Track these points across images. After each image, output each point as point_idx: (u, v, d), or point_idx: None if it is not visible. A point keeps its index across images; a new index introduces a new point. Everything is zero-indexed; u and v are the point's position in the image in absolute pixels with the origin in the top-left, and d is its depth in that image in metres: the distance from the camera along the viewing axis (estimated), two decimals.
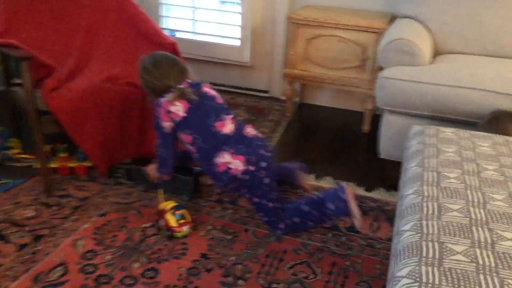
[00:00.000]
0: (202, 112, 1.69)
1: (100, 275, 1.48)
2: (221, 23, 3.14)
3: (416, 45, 1.98)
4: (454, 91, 1.81)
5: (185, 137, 1.70)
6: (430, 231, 0.95)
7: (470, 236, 0.93)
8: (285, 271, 1.55)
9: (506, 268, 0.84)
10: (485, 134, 1.44)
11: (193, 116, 1.69)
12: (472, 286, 0.79)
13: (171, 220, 1.67)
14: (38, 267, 1.50)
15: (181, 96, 1.68)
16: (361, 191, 2.06)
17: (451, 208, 1.02)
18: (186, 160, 1.88)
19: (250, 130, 1.74)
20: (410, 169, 1.26)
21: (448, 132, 1.43)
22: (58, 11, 2.17)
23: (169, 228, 1.67)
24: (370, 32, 2.47)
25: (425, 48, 2.03)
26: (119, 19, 2.22)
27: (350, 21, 2.48)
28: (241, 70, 3.17)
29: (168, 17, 3.18)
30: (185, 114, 1.68)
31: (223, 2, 3.14)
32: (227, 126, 1.69)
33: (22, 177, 2.01)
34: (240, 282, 1.49)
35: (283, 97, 3.13)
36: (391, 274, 0.92)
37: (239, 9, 3.00)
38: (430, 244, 0.91)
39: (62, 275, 1.47)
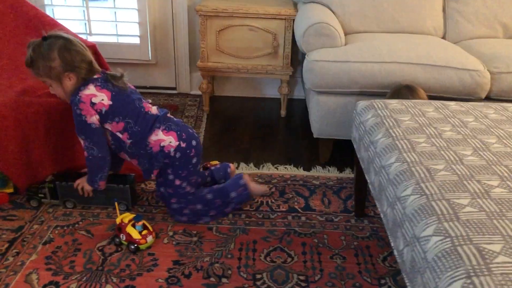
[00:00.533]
0: (126, 97, 1.64)
1: None
2: (117, 21, 2.96)
3: (334, 28, 2.10)
4: (378, 67, 1.96)
5: (115, 126, 1.62)
6: (432, 192, 1.04)
7: (466, 190, 1.03)
8: (263, 261, 1.55)
9: (510, 211, 0.95)
10: (425, 101, 1.59)
11: (119, 102, 1.62)
12: (493, 231, 0.89)
13: (133, 232, 1.57)
14: None
15: (104, 82, 1.61)
16: (301, 171, 2.14)
17: (437, 169, 1.13)
18: (115, 167, 1.77)
19: (172, 115, 1.74)
20: (379, 141, 1.34)
21: (394, 103, 1.55)
22: None
23: (132, 242, 1.57)
24: (279, 19, 2.54)
25: (340, 30, 2.16)
26: (19, 24, 1.98)
27: (259, 10, 2.53)
28: (144, 68, 3.04)
29: (58, 19, 2.90)
30: (110, 102, 1.59)
31: None
32: (152, 108, 1.69)
33: None
34: (224, 280, 1.47)
35: (192, 92, 3.09)
36: (410, 235, 0.99)
37: (134, 4, 2.86)
38: (439, 203, 1.00)
39: None
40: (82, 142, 1.63)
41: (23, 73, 1.85)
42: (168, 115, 1.72)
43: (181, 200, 1.69)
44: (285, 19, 2.54)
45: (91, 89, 1.57)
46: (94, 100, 1.57)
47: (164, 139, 1.63)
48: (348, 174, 2.11)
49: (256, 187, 1.83)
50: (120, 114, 1.60)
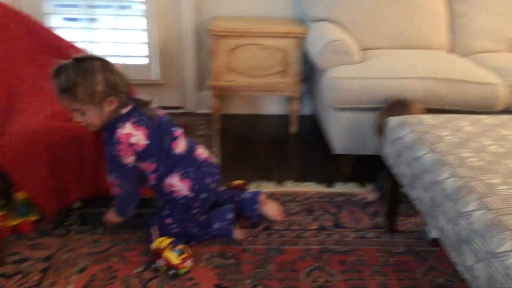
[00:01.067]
0: (160, 133, 1.58)
1: None
2: (124, 42, 2.94)
3: (350, 45, 2.13)
4: (398, 83, 2.00)
5: (148, 166, 1.58)
6: (499, 206, 1.05)
7: None
8: (305, 280, 1.54)
9: None
10: (458, 115, 1.62)
11: (155, 141, 1.56)
12: None
13: (172, 257, 1.54)
14: None
15: (139, 117, 1.52)
16: (324, 188, 2.14)
17: (495, 183, 1.14)
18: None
19: (201, 152, 1.69)
20: (424, 156, 1.36)
21: (428, 118, 1.58)
22: None
23: (171, 267, 1.53)
24: (290, 37, 2.57)
25: (356, 47, 2.19)
26: (36, 47, 1.96)
27: (270, 29, 2.55)
28: (151, 88, 3.01)
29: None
30: (147, 142, 1.54)
31: (118, 17, 2.94)
32: (180, 144, 1.62)
33: None
34: None
35: (199, 111, 3.08)
36: (483, 251, 0.99)
37: (144, 25, 2.85)
38: (508, 217, 1.01)
39: None
40: (112, 178, 1.57)
41: (47, 96, 1.81)
42: (196, 153, 1.66)
43: (164, 234, 1.62)
44: (295, 37, 2.56)
45: (128, 128, 1.49)
46: (132, 140, 1.50)
47: (177, 185, 1.59)
48: (370, 189, 2.12)
49: (271, 208, 1.84)
50: (154, 155, 1.56)
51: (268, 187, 2.14)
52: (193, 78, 2.99)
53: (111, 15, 2.85)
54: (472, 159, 1.27)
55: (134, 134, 1.51)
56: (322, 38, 2.22)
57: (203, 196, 1.64)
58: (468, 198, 1.11)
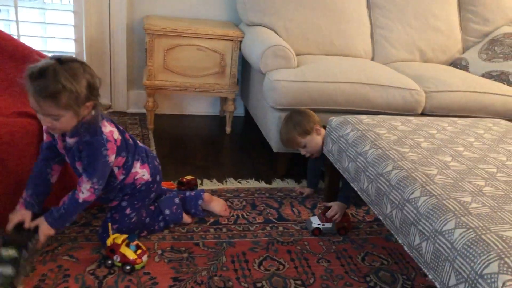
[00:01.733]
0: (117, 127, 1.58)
1: None
2: (49, 37, 2.82)
3: (289, 50, 2.27)
4: (333, 86, 2.17)
5: (119, 161, 1.57)
6: (439, 192, 1.22)
7: (464, 189, 1.24)
8: (258, 270, 1.63)
9: (506, 204, 1.17)
10: (391, 116, 1.81)
11: (122, 136, 1.57)
12: (502, 221, 1.10)
13: (129, 252, 1.54)
14: None
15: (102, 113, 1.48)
16: (263, 184, 2.25)
17: (432, 174, 1.32)
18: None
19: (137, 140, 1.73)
20: (368, 152, 1.52)
21: (366, 119, 1.75)
22: None
23: (127, 262, 1.54)
24: (227, 40, 2.65)
25: (293, 52, 2.33)
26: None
27: (207, 31, 2.61)
28: None
29: None
30: (119, 136, 1.55)
31: (44, 11, 2.81)
32: (128, 135, 1.64)
33: None
34: None
35: (129, 110, 3.05)
36: (429, 231, 1.15)
37: (71, 21, 2.76)
38: (449, 201, 1.19)
39: None
40: (93, 184, 1.45)
41: None
42: (138, 142, 1.68)
43: (123, 228, 1.63)
44: (232, 40, 2.65)
45: (107, 125, 1.47)
46: (114, 136, 1.48)
47: (140, 172, 1.62)
48: (305, 185, 2.26)
49: (217, 205, 1.92)
50: (123, 150, 1.55)
51: (210, 184, 2.20)
52: (123, 77, 2.95)
53: (37, 8, 2.72)
54: (410, 154, 1.45)
55: (114, 131, 1.50)
56: (261, 42, 2.33)
57: (158, 178, 1.69)
58: (412, 187, 1.28)
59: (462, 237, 1.06)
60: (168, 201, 1.79)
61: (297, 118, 2.02)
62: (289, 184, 2.29)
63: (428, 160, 1.41)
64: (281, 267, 1.66)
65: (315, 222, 1.85)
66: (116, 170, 1.57)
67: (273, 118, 2.25)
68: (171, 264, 1.61)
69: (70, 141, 1.46)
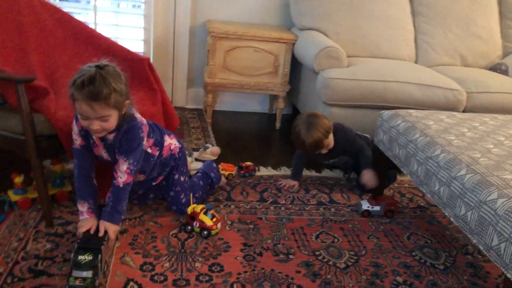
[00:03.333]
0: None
1: (175, 280, 1.54)
2: (121, 38, 3.14)
3: (341, 51, 2.50)
4: (382, 84, 2.39)
5: (149, 142, 1.73)
6: (483, 171, 1.43)
7: (506, 169, 1.44)
8: (315, 241, 1.86)
9: None
10: (437, 111, 2.01)
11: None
12: None
13: (206, 219, 1.80)
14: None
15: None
16: (314, 173, 2.48)
17: (477, 157, 1.53)
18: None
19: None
20: (418, 139, 1.73)
21: (414, 112, 1.96)
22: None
23: (205, 228, 1.79)
24: (281, 42, 2.90)
25: (345, 53, 2.56)
26: (67, 36, 2.13)
27: (264, 34, 2.87)
28: None
29: None
30: (144, 121, 1.71)
31: (118, 14, 3.13)
32: None
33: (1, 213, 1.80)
34: (291, 256, 1.75)
35: (188, 106, 3.33)
36: (474, 202, 1.36)
37: (141, 23, 3.07)
38: (492, 177, 1.39)
39: None
40: (125, 167, 1.60)
41: None
42: None
43: (186, 192, 1.92)
44: (286, 42, 2.90)
45: (136, 113, 1.64)
46: (143, 121, 1.67)
47: (172, 142, 1.85)
48: (353, 175, 2.48)
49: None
50: (151, 131, 1.74)
51: (266, 171, 2.44)
52: (184, 75, 3.24)
53: (112, 12, 3.04)
54: (456, 141, 1.66)
55: (142, 117, 1.68)
56: (315, 44, 2.57)
57: (182, 142, 1.96)
58: (459, 167, 1.49)
59: (504, 205, 1.26)
60: (210, 165, 2.13)
61: (316, 121, 2.12)
62: (337, 173, 2.51)
63: (472, 147, 1.61)
64: (335, 240, 1.88)
65: (365, 205, 2.06)
66: (149, 150, 1.74)
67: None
68: (240, 233, 1.86)
69: (110, 137, 1.60)
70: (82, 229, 1.55)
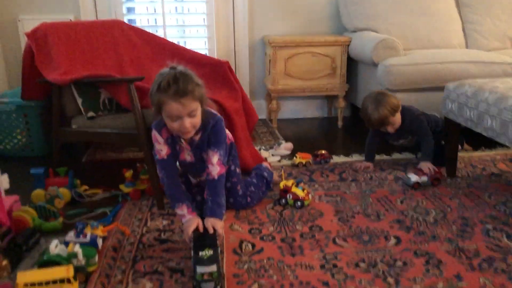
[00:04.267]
0: None
1: (283, 239, 1.71)
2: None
3: (398, 42, 2.69)
4: (441, 66, 2.55)
5: None
6: None
7: None
8: (400, 205, 1.99)
9: None
10: (493, 79, 2.14)
11: None
12: None
13: (299, 191, 1.98)
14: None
15: None
16: (383, 157, 2.62)
17: None
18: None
19: None
20: (488, 97, 1.87)
21: (478, 79, 2.11)
22: (98, 48, 2.28)
23: (298, 199, 1.97)
24: (337, 45, 3.12)
25: (400, 44, 2.75)
26: (155, 52, 2.43)
27: (320, 39, 3.10)
28: None
29: None
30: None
31: (185, 38, 3.45)
32: None
33: (116, 205, 2.03)
34: (381, 217, 1.88)
35: None
36: None
37: (204, 45, 3.38)
38: None
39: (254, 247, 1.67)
40: (216, 158, 1.68)
41: None
42: None
43: (241, 183, 1.95)
44: (341, 45, 3.12)
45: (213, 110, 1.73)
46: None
47: (227, 132, 1.83)
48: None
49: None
50: None
51: (338, 158, 2.61)
52: (247, 89, 3.49)
53: (179, 37, 3.36)
54: None
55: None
56: (371, 39, 2.77)
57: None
58: None
59: None
60: (260, 166, 2.18)
61: (384, 99, 2.25)
62: (406, 155, 2.64)
63: None
64: (420, 203, 2.01)
65: (413, 177, 2.16)
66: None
67: None
68: (329, 204, 2.02)
69: (196, 137, 1.69)
70: (190, 229, 1.56)
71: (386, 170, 2.41)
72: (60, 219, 1.81)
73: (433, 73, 2.54)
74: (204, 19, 3.34)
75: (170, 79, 1.51)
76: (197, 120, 1.59)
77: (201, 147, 1.72)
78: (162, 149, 1.68)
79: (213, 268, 1.34)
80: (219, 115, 1.72)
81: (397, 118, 2.32)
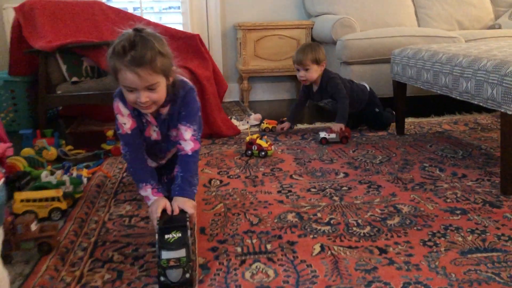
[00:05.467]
0: None
1: (247, 176, 1.96)
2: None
3: (354, 21, 2.99)
4: (392, 40, 2.85)
5: None
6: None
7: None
8: (353, 153, 2.26)
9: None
10: (446, 44, 2.45)
11: None
12: None
13: (263, 143, 2.23)
14: None
15: None
16: None
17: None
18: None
19: None
20: (462, 61, 2.15)
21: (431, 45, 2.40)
22: (80, 23, 2.52)
23: (262, 149, 2.22)
24: (301, 28, 3.41)
25: (356, 23, 3.05)
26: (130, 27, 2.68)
27: (286, 22, 3.39)
28: None
29: None
30: None
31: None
32: None
33: (99, 159, 2.26)
34: (334, 161, 2.15)
35: (225, 100, 3.81)
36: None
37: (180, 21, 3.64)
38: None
39: None
40: (190, 134, 1.43)
41: None
42: None
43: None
44: (305, 28, 3.41)
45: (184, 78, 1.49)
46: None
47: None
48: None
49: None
50: None
51: (303, 126, 2.87)
52: (220, 67, 3.74)
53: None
54: (494, 52, 2.08)
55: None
56: (330, 20, 3.07)
57: None
58: (507, 66, 1.89)
59: None
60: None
61: (316, 47, 2.50)
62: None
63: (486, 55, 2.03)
64: (369, 152, 2.28)
65: (323, 134, 2.43)
66: None
67: (345, 71, 2.93)
68: (290, 154, 2.27)
69: (164, 111, 1.44)
70: (156, 212, 1.28)
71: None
72: (48, 167, 2.02)
73: (383, 45, 2.84)
74: (179, 7, 3.60)
75: (127, 43, 1.24)
76: (159, 95, 1.32)
77: (169, 122, 1.47)
78: (125, 122, 1.43)
79: (181, 253, 1.14)
80: (190, 84, 1.46)
81: (314, 70, 2.51)
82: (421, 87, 2.20)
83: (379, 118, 2.64)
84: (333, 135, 2.41)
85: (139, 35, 1.27)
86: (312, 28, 3.41)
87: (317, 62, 2.51)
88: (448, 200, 1.65)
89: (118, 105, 1.42)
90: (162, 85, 1.32)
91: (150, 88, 1.29)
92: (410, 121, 2.84)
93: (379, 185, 1.82)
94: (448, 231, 1.42)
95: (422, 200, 1.66)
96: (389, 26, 3.38)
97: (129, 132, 1.44)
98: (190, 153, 1.42)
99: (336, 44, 2.96)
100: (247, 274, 1.21)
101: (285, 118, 2.78)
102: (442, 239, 1.37)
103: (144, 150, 1.52)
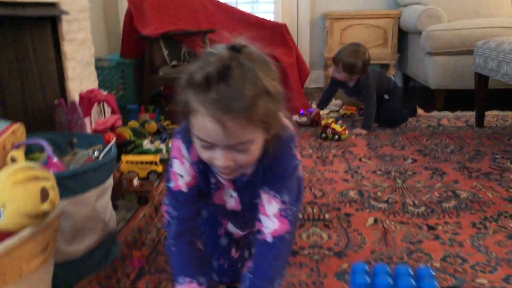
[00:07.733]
0: None
1: (318, 157, 2.14)
2: None
3: (441, 11, 2.98)
4: (480, 31, 2.81)
5: None
6: None
7: None
8: (426, 142, 2.33)
9: None
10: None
11: None
12: None
13: (337, 127, 2.39)
14: None
15: None
16: (422, 112, 2.94)
17: None
18: None
19: None
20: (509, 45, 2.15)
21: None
22: (181, 12, 2.83)
23: (336, 133, 2.38)
24: (388, 18, 3.46)
25: (443, 13, 3.04)
26: (226, 18, 2.94)
27: (373, 12, 3.46)
28: None
29: None
30: None
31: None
32: None
33: None
34: (406, 148, 2.25)
35: (310, 86, 3.98)
36: None
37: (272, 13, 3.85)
38: None
39: None
40: (276, 208, 0.94)
41: None
42: None
43: None
44: (392, 17, 3.45)
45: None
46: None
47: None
48: (458, 113, 2.88)
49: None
50: None
51: None
52: (307, 60, 3.91)
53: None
54: None
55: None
56: (417, 10, 3.09)
57: None
58: None
59: None
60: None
61: (362, 50, 2.53)
62: (446, 113, 2.94)
63: None
64: (443, 141, 2.34)
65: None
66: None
67: (429, 62, 2.96)
68: (363, 139, 2.41)
69: (247, 170, 0.95)
70: None
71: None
72: (149, 138, 2.36)
73: (470, 36, 2.81)
74: None
75: (214, 71, 0.76)
76: (250, 158, 0.85)
77: (255, 187, 0.98)
78: (183, 175, 0.97)
79: None
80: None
81: (343, 76, 2.56)
82: (501, 79, 2.21)
83: (390, 113, 2.62)
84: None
85: (236, 58, 0.78)
86: (399, 18, 3.44)
87: (350, 72, 2.53)
88: (511, 190, 1.70)
89: (180, 146, 0.95)
90: (257, 143, 0.83)
91: (239, 149, 0.81)
92: (493, 114, 2.81)
93: (444, 172, 1.91)
94: (502, 217, 1.49)
95: (484, 188, 1.73)
96: (480, 16, 3.30)
97: (184, 190, 0.97)
98: (270, 239, 0.93)
99: (422, 34, 2.98)
100: (304, 235, 1.40)
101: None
102: (494, 223, 1.45)
103: (197, 227, 1.04)
